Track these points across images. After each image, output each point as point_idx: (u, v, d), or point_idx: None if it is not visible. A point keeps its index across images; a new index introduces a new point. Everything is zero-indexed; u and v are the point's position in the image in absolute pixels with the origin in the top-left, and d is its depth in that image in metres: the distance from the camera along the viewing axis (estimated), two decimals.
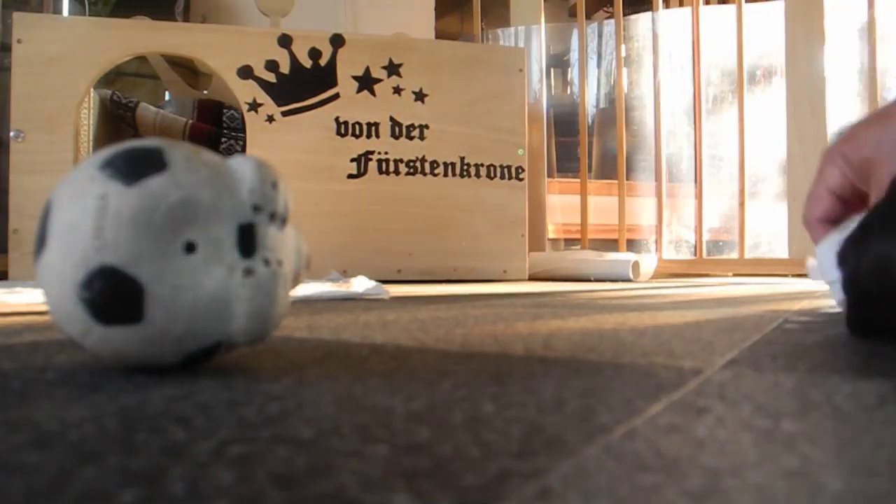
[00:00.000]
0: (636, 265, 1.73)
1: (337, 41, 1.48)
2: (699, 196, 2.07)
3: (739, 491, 0.17)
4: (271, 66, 1.43)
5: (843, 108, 2.03)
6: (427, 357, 0.39)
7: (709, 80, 2.17)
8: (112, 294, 0.30)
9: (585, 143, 2.20)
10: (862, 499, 0.16)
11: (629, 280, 1.68)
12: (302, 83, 1.45)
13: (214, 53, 1.42)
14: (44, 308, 0.36)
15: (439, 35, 2.19)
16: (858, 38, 2.00)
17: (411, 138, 1.52)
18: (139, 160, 0.31)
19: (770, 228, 2.06)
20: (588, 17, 2.58)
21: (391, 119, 1.50)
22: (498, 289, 1.22)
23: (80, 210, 0.30)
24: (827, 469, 0.19)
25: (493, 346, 0.43)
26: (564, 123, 2.43)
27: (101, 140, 1.49)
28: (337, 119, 1.47)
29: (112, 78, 1.81)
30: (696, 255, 2.08)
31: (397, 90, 1.51)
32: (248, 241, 0.32)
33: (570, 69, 2.71)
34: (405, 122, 1.51)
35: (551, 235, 2.23)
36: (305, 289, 0.91)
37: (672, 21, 2.24)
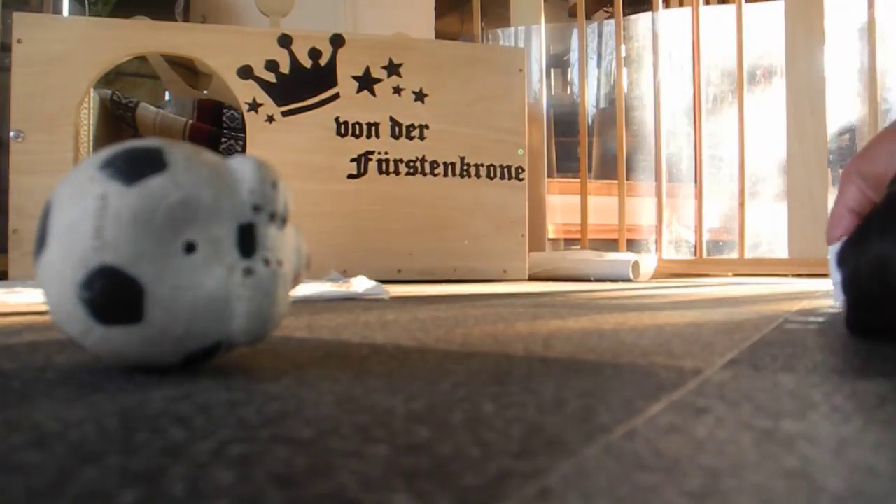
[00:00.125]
0: (636, 265, 1.73)
1: (337, 41, 1.48)
2: (699, 196, 2.07)
3: (739, 491, 0.17)
4: (271, 66, 1.43)
5: (843, 108, 2.03)
6: (427, 357, 0.39)
7: (709, 80, 2.17)
8: (112, 294, 0.30)
9: (585, 143, 2.20)
10: (862, 499, 0.16)
11: (629, 280, 1.68)
12: (302, 83, 1.45)
13: (214, 53, 1.42)
14: (44, 308, 0.36)
15: (439, 35, 2.19)
16: (858, 38, 2.00)
17: (411, 138, 1.52)
18: (139, 160, 0.31)
19: (770, 228, 2.06)
20: (588, 17, 2.58)
21: (391, 119, 1.50)
22: (498, 289, 1.22)
23: (80, 210, 0.30)
24: (827, 469, 0.19)
25: (493, 346, 0.43)
26: (564, 123, 2.43)
27: (101, 140, 1.49)
28: (337, 119, 1.47)
29: (112, 78, 1.81)
30: (696, 255, 2.08)
31: (397, 90, 1.51)
32: (248, 241, 0.32)
33: (570, 69, 2.71)
34: (405, 122, 1.51)
35: (551, 235, 2.23)
36: (305, 289, 0.91)
37: (672, 21, 2.24)
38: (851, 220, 0.52)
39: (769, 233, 2.08)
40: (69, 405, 0.26)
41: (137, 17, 1.51)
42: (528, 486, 0.17)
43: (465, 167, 1.55)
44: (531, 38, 2.37)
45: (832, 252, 0.52)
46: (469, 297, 0.95)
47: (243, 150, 1.50)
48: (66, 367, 0.35)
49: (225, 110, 1.62)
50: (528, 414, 0.25)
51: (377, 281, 1.06)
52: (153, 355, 0.31)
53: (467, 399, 0.27)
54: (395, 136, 1.51)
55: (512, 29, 2.45)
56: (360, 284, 1.00)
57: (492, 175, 1.57)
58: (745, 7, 2.04)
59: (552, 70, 2.69)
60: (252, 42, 1.44)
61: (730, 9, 2.13)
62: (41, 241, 0.31)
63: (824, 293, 1.07)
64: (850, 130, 2.09)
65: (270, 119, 1.43)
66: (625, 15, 2.25)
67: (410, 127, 1.51)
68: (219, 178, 0.32)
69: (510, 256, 1.57)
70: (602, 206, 2.20)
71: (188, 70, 1.86)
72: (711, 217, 2.15)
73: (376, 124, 1.50)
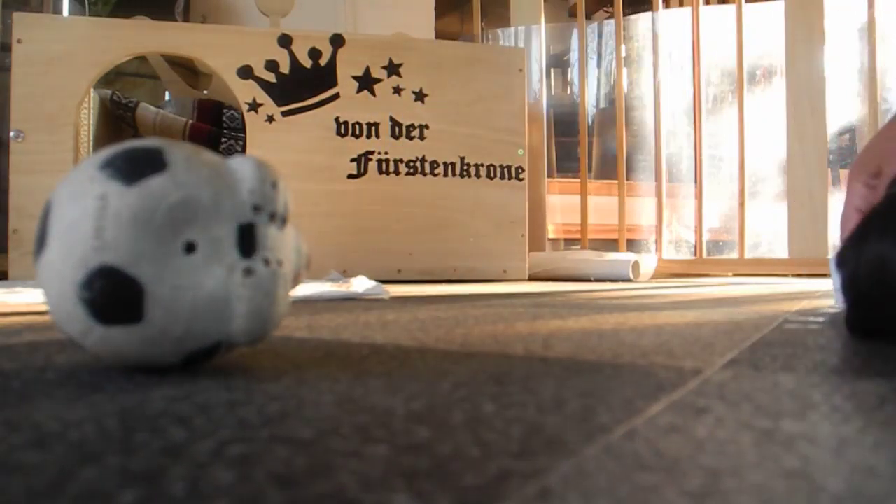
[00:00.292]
0: (636, 265, 1.73)
1: (337, 41, 1.48)
2: (699, 196, 2.07)
3: (739, 491, 0.17)
4: (271, 66, 1.43)
5: (843, 108, 2.03)
6: (427, 357, 0.39)
7: (709, 80, 2.17)
8: (112, 294, 0.30)
9: (585, 143, 2.20)
10: (862, 499, 0.16)
11: (629, 280, 1.68)
12: (302, 83, 1.45)
13: (214, 53, 1.41)
14: (44, 308, 0.36)
15: (439, 35, 2.19)
16: (858, 38, 2.00)
17: (411, 138, 1.51)
18: (139, 160, 0.31)
19: (770, 228, 2.06)
20: (588, 17, 2.58)
21: (391, 119, 1.50)
22: (498, 289, 1.22)
23: (80, 210, 0.30)
24: (827, 469, 0.19)
25: (493, 346, 0.43)
26: (564, 123, 2.43)
27: (101, 140, 1.49)
28: (337, 119, 1.47)
29: (112, 78, 1.81)
30: (696, 255, 2.08)
31: (397, 90, 1.51)
32: (248, 241, 0.32)
33: (570, 69, 2.71)
34: (405, 122, 1.51)
35: (551, 235, 2.23)
36: (305, 289, 0.91)
37: (672, 21, 2.24)
38: (859, 219, 0.52)
39: (769, 233, 2.08)
40: (69, 405, 0.26)
41: (137, 17, 1.51)
42: (528, 486, 0.17)
43: (465, 167, 1.55)
44: (531, 38, 2.37)
45: (831, 262, 0.52)
46: (469, 297, 0.95)
47: (243, 150, 1.50)
48: (66, 367, 0.35)
49: (225, 110, 1.62)
50: (528, 414, 0.25)
51: (377, 281, 1.06)
52: (153, 355, 0.31)
53: (467, 399, 0.27)
54: (395, 136, 1.51)
55: (512, 29, 2.45)
56: (360, 284, 1.00)
57: (492, 175, 1.57)
58: (745, 7, 2.04)
59: (552, 70, 2.69)
60: (252, 42, 1.44)
61: (730, 9, 2.13)
62: (41, 241, 0.31)
63: (824, 293, 1.07)
64: (850, 130, 2.09)
65: (270, 119, 1.43)
66: (625, 15, 2.25)
67: (410, 127, 1.51)
68: (219, 178, 0.32)
69: (510, 256, 1.57)
70: (602, 206, 2.20)
71: (188, 70, 1.86)
72: (711, 217, 2.15)
73: (376, 124, 1.49)
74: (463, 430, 0.23)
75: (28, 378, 0.32)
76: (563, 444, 0.21)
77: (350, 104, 1.48)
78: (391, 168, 1.50)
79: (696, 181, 2.09)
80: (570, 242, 2.30)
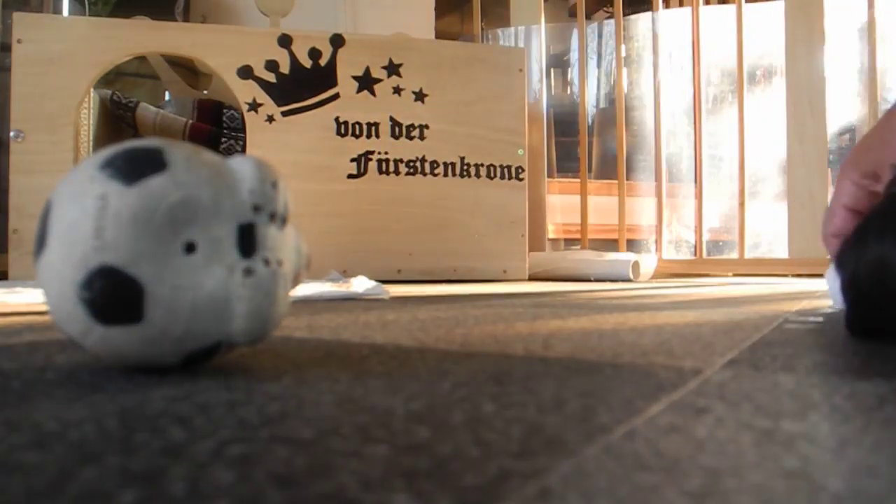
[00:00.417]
0: (636, 265, 1.73)
1: (337, 41, 1.48)
2: (699, 196, 2.07)
3: (739, 491, 0.17)
4: (271, 66, 1.43)
5: (843, 108, 2.03)
6: (427, 357, 0.39)
7: (709, 80, 2.17)
8: (112, 294, 0.30)
9: (585, 143, 2.20)
10: (862, 499, 0.16)
11: (629, 280, 1.68)
12: (302, 83, 1.45)
13: (214, 53, 1.41)
14: (44, 308, 0.36)
15: (439, 35, 2.19)
16: (858, 38, 2.00)
17: (411, 138, 1.51)
18: (139, 160, 0.31)
19: (770, 228, 2.06)
20: (588, 17, 2.58)
21: (391, 119, 1.50)
22: (498, 289, 1.22)
23: (80, 210, 0.30)
24: (827, 469, 0.19)
25: (493, 346, 0.43)
26: (564, 123, 2.43)
27: (101, 140, 1.49)
28: (337, 119, 1.47)
29: (112, 78, 1.81)
30: (696, 255, 2.08)
31: (397, 90, 1.51)
32: (248, 241, 0.32)
33: (570, 69, 2.71)
34: (405, 122, 1.51)
35: (551, 235, 2.23)
36: (305, 289, 0.91)
37: (672, 21, 2.24)
38: (843, 216, 0.52)
39: (769, 233, 2.08)
40: (69, 405, 0.26)
41: (137, 17, 1.51)
42: (528, 486, 0.17)
43: (465, 167, 1.55)
44: (531, 38, 2.37)
45: (829, 273, 0.52)
46: (469, 297, 0.95)
47: (243, 150, 1.50)
48: (66, 367, 0.35)
49: (225, 110, 1.62)
50: (528, 414, 0.25)
51: (377, 281, 1.06)
52: (153, 355, 0.31)
53: (467, 399, 0.27)
54: (395, 136, 1.51)
55: (512, 29, 2.45)
56: (360, 284, 1.00)
57: (492, 175, 1.57)
58: (745, 7, 2.04)
59: (552, 70, 2.69)
60: (252, 42, 1.43)
61: (730, 9, 2.13)
62: (41, 241, 0.31)
63: (824, 293, 1.07)
64: (850, 130, 2.09)
65: (270, 119, 1.43)
66: (625, 15, 2.25)
67: (410, 127, 1.51)
68: (219, 178, 0.32)
69: (510, 256, 1.57)
70: (602, 206, 2.20)
71: (188, 70, 1.86)
72: (711, 217, 2.15)
73: (376, 124, 1.49)
74: (463, 430, 0.23)
75: (28, 378, 0.32)
76: (563, 444, 0.21)
77: (350, 104, 1.48)
78: (391, 168, 1.50)
79: (696, 181, 2.09)
80: (570, 242, 2.30)
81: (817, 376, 0.33)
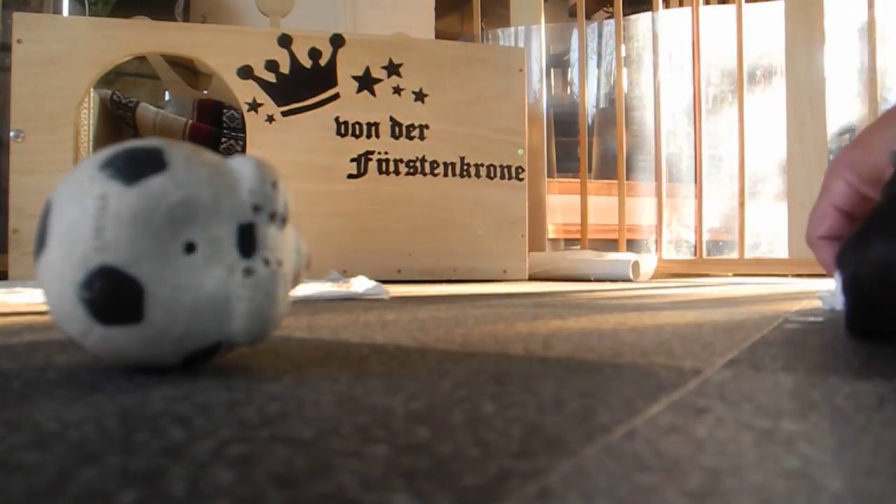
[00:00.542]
0: (636, 265, 1.73)
1: (337, 41, 1.48)
2: (699, 196, 2.07)
3: (739, 491, 0.17)
4: (271, 66, 1.43)
5: (843, 108, 2.03)
6: (427, 357, 0.39)
7: (709, 80, 2.17)
8: (112, 294, 0.30)
9: (585, 143, 2.20)
10: (862, 499, 0.16)
11: (629, 280, 1.68)
12: (302, 83, 1.45)
13: (214, 53, 1.42)
14: (44, 308, 0.36)
15: (439, 35, 2.19)
16: (858, 38, 2.00)
17: (411, 138, 1.52)
18: (139, 160, 0.31)
19: (770, 228, 2.06)
20: (588, 17, 2.58)
21: (391, 119, 1.50)
22: (498, 289, 1.22)
23: (80, 210, 0.30)
24: (827, 469, 0.19)
25: (493, 346, 0.43)
26: (564, 123, 2.43)
27: (101, 140, 1.49)
28: (337, 119, 1.47)
29: (112, 78, 1.81)
30: (696, 255, 2.08)
31: (397, 90, 1.51)
32: (248, 241, 0.32)
33: (570, 69, 2.71)
34: (405, 122, 1.51)
35: (551, 235, 2.23)
36: (305, 289, 0.91)
37: (672, 21, 2.24)
38: (835, 218, 0.50)
39: (769, 233, 2.08)
40: (69, 405, 0.26)
41: (137, 17, 1.51)
42: (528, 486, 0.17)
43: (465, 167, 1.55)
44: (531, 38, 2.37)
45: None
46: (469, 297, 0.95)
47: (243, 150, 1.50)
48: (66, 367, 0.35)
49: (225, 110, 1.62)
50: (528, 414, 0.25)
51: (377, 281, 1.06)
52: (153, 355, 0.31)
53: (467, 399, 0.27)
54: (395, 136, 1.51)
55: (512, 29, 2.45)
56: (360, 284, 1.00)
57: (492, 175, 1.57)
58: (745, 7, 2.04)
59: (552, 70, 2.69)
60: (252, 42, 1.44)
61: (730, 9, 2.13)
62: (41, 241, 0.31)
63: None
64: (850, 130, 2.09)
65: (270, 119, 1.43)
66: (625, 15, 2.25)
67: (410, 127, 1.51)
68: (219, 178, 0.32)
69: (510, 256, 1.57)
70: (602, 206, 2.20)
71: (188, 70, 1.86)
72: (711, 217, 2.15)
73: (376, 124, 1.50)
74: (463, 430, 0.23)
75: (28, 378, 0.32)
76: (563, 444, 0.21)
77: (350, 104, 1.48)
78: (391, 168, 1.50)
79: (696, 181, 2.09)
80: (570, 242, 2.30)
81: (817, 376, 0.33)
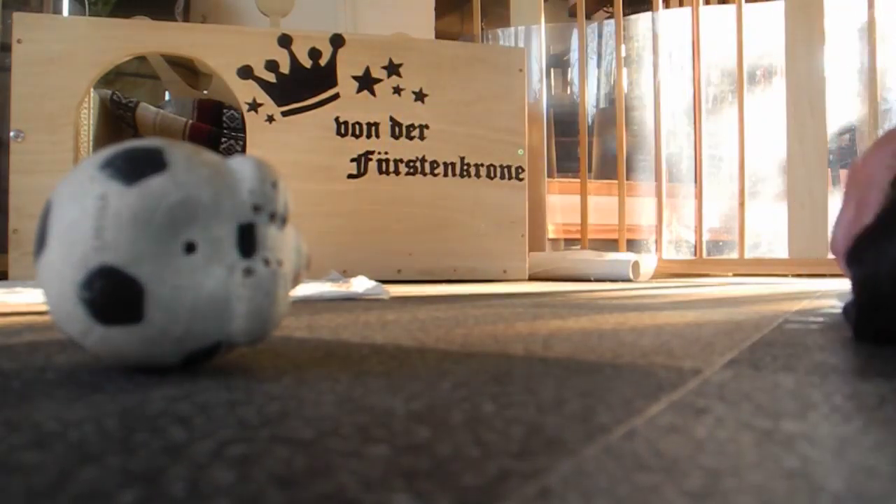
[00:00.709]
0: (636, 265, 1.73)
1: (337, 41, 1.48)
2: (699, 196, 2.07)
3: (739, 491, 0.17)
4: (271, 66, 1.43)
5: (843, 108, 2.03)
6: (427, 357, 0.39)
7: (709, 80, 2.17)
8: (112, 294, 0.30)
9: (585, 143, 2.20)
10: (862, 499, 0.16)
11: (629, 280, 1.68)
12: (302, 83, 1.45)
13: (214, 53, 1.42)
14: (44, 308, 0.36)
15: (439, 35, 2.19)
16: (858, 38, 2.00)
17: (411, 138, 1.52)
18: (139, 160, 0.31)
19: (770, 228, 2.06)
20: (588, 17, 2.58)
21: (391, 119, 1.50)
22: (498, 289, 1.22)
23: (80, 210, 0.30)
24: (827, 469, 0.19)
25: (493, 346, 0.43)
26: (564, 123, 2.43)
27: (101, 140, 1.49)
28: (337, 119, 1.47)
29: (112, 78, 1.81)
30: (696, 255, 2.08)
31: (397, 90, 1.51)
32: (248, 241, 0.32)
33: (570, 69, 2.71)
34: (405, 122, 1.51)
35: (551, 235, 2.23)
36: (305, 289, 0.91)
37: (672, 21, 2.24)
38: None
39: (769, 233, 2.08)
40: (69, 405, 0.26)
41: (137, 17, 1.51)
42: (528, 486, 0.17)
43: (465, 167, 1.55)
44: (531, 38, 2.37)
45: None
46: (469, 297, 0.95)
47: (243, 150, 1.50)
48: (66, 367, 0.35)
49: (225, 110, 1.62)
50: (528, 414, 0.25)
51: (377, 281, 1.06)
52: (153, 355, 0.31)
53: (467, 399, 0.27)
54: (395, 136, 1.51)
55: (512, 29, 2.45)
56: (360, 284, 1.00)
57: (492, 175, 1.57)
58: (745, 7, 2.04)
59: (552, 70, 2.69)
60: (252, 42, 1.43)
61: (730, 9, 2.13)
62: (41, 241, 0.31)
63: (824, 293, 1.07)
64: (850, 130, 2.09)
65: (270, 119, 1.43)
66: (625, 15, 2.25)
67: (410, 127, 1.51)
68: (219, 178, 0.32)
69: (510, 256, 1.57)
70: (602, 206, 2.20)
71: (188, 70, 1.86)
72: (711, 217, 2.15)
73: (376, 124, 1.49)
74: (463, 430, 0.23)
75: (28, 378, 0.32)
76: (563, 444, 0.21)
77: (350, 104, 1.48)
78: (391, 168, 1.50)
79: (696, 181, 2.09)
80: (570, 242, 2.30)
81: (817, 376, 0.33)
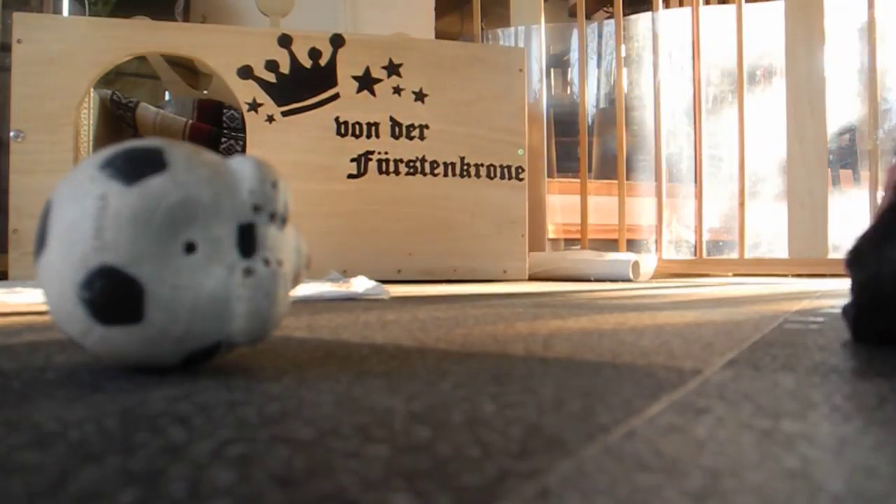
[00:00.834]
0: (636, 265, 1.73)
1: (337, 41, 1.48)
2: (699, 196, 2.07)
3: (739, 491, 0.17)
4: (271, 66, 1.43)
5: (843, 108, 2.03)
6: (427, 357, 0.39)
7: (709, 80, 2.17)
8: (112, 294, 0.30)
9: (585, 143, 2.20)
10: (862, 499, 0.16)
11: (629, 280, 1.68)
12: (302, 83, 1.45)
13: (214, 53, 1.42)
14: (44, 308, 0.36)
15: (439, 35, 2.19)
16: (858, 38, 2.00)
17: (411, 138, 1.51)
18: (139, 160, 0.31)
19: (770, 228, 2.06)
20: (588, 17, 2.58)
21: (391, 119, 1.50)
22: (498, 289, 1.22)
23: (80, 210, 0.30)
24: (827, 469, 0.19)
25: (493, 346, 0.43)
26: (564, 123, 2.43)
27: (101, 140, 1.49)
28: (337, 119, 1.47)
29: (112, 78, 1.81)
30: (696, 255, 2.08)
31: (397, 90, 1.51)
32: (248, 241, 0.32)
33: (570, 69, 2.71)
34: (405, 122, 1.51)
35: (551, 235, 2.23)
36: (305, 289, 0.91)
37: (672, 21, 2.24)
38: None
39: (769, 233, 2.08)
40: (69, 405, 0.26)
41: (137, 17, 1.51)
42: (527, 486, 0.17)
43: (465, 167, 1.55)
44: (531, 38, 2.37)
45: None
46: (469, 297, 0.95)
47: (243, 150, 1.50)
48: (66, 367, 0.35)
49: (225, 110, 1.62)
50: (528, 414, 0.25)
51: (377, 281, 1.06)
52: (153, 355, 0.31)
53: (467, 399, 0.27)
54: (395, 136, 1.51)
55: (512, 29, 2.45)
56: (360, 284, 1.00)
57: (492, 175, 1.57)
58: (745, 7, 2.04)
59: (552, 70, 2.69)
60: (252, 42, 1.43)
61: (730, 9, 2.13)
62: (41, 241, 0.31)
63: (824, 293, 1.07)
64: (850, 130, 2.09)
65: (270, 119, 1.43)
66: (625, 15, 2.25)
67: (410, 127, 1.51)
68: (219, 178, 0.32)
69: (510, 256, 1.57)
70: (602, 206, 2.20)
71: (188, 70, 1.86)
72: (711, 217, 2.15)
73: (376, 124, 1.49)
74: (463, 430, 0.23)
75: (28, 378, 0.32)
76: (563, 444, 0.21)
77: (350, 104, 1.48)
78: (391, 168, 1.50)
79: (696, 181, 2.09)
80: (570, 242, 2.30)
81: (817, 376, 0.33)
